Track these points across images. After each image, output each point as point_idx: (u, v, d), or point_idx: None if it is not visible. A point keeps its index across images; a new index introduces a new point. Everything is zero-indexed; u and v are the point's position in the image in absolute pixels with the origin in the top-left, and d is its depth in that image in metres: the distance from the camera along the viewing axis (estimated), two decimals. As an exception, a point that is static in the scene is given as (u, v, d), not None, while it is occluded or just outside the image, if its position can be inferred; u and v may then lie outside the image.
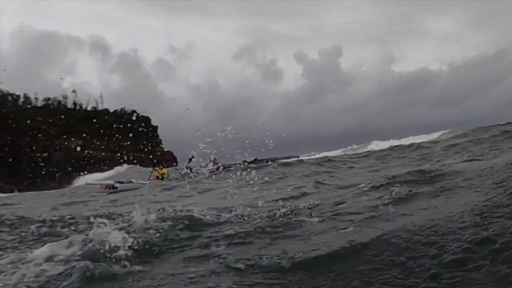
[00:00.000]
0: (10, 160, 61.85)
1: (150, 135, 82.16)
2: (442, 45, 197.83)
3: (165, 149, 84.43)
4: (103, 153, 69.77)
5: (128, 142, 71.66)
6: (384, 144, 36.78)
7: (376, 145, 39.94)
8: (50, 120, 74.00)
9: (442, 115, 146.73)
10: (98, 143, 67.61)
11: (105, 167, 45.74)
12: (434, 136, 36.83)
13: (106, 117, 78.71)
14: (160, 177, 20.36)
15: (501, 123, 32.09)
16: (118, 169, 44.55)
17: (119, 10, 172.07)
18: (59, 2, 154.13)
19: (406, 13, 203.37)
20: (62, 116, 76.25)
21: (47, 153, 65.80)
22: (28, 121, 69.34)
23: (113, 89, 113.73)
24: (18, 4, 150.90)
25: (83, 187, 19.90)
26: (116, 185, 17.28)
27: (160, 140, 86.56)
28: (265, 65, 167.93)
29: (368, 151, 26.77)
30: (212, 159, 28.35)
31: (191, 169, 23.83)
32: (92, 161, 59.74)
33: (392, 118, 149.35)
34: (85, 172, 46.95)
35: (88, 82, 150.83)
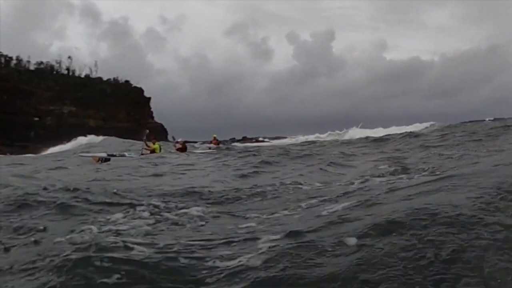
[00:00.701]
0: (3, 121, 62.67)
1: (142, 106, 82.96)
2: (435, 36, 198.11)
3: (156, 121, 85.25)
4: (95, 121, 70.60)
5: (121, 112, 72.72)
6: (365, 132, 38.31)
7: (359, 132, 41.26)
8: (44, 85, 74.72)
9: (432, 106, 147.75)
10: (91, 111, 68.62)
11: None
12: (419, 127, 37.38)
13: (100, 85, 79.25)
14: (152, 151, 20.67)
15: (489, 118, 33.57)
16: (92, 138, 42.32)
17: None
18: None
19: (402, 3, 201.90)
20: (56, 82, 77.04)
21: (39, 118, 66.30)
22: (23, 84, 70.08)
23: (101, 56, 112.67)
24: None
25: (74, 156, 20.42)
26: (108, 157, 17.95)
27: (152, 111, 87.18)
28: (257, 43, 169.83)
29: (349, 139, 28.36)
30: (214, 138, 29.02)
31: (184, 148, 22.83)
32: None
33: (381, 106, 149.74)
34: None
35: (76, 48, 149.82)
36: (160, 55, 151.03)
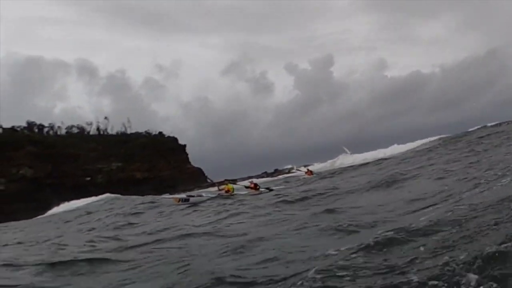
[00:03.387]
0: (56, 185, 68.06)
1: (179, 153, 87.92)
2: (432, 49, 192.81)
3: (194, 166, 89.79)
4: (141, 173, 75.76)
5: (162, 162, 77.70)
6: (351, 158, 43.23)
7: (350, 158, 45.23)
8: (87, 146, 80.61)
9: (438, 119, 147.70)
10: (136, 164, 73.83)
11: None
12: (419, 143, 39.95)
13: (139, 139, 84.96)
14: (227, 191, 21.72)
15: (489, 124, 36.19)
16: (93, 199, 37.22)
17: (104, 33, 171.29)
18: (43, 27, 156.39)
19: (395, 20, 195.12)
20: (97, 143, 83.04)
21: (90, 178, 71.50)
22: (69, 148, 76.01)
23: (105, 111, 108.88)
24: (2, 32, 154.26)
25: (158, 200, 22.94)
26: (188, 198, 19.53)
27: (188, 157, 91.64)
28: (255, 78, 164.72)
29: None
30: (308, 170, 32.07)
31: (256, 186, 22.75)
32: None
33: (388, 124, 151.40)
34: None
35: (79, 107, 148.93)
36: (162, 103, 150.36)
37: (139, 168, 75.76)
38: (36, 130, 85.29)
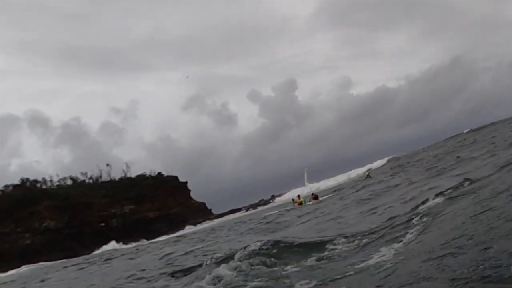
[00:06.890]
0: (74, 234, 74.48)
1: (183, 190, 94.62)
2: (396, 61, 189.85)
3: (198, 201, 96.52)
4: (153, 213, 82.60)
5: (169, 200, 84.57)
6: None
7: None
8: (98, 194, 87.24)
9: (409, 132, 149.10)
10: (146, 205, 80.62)
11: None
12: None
13: (145, 181, 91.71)
14: (300, 203, 27.05)
15: (440, 141, 42.55)
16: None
17: (53, 80, 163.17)
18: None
19: (355, 36, 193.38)
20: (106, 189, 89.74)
21: (104, 223, 77.94)
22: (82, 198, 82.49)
23: (65, 162, 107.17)
24: None
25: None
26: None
27: (190, 193, 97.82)
28: (217, 111, 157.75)
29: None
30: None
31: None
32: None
33: (358, 143, 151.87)
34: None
35: (36, 161, 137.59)
36: (123, 147, 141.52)
37: (150, 208, 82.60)
38: (28, 185, 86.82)
